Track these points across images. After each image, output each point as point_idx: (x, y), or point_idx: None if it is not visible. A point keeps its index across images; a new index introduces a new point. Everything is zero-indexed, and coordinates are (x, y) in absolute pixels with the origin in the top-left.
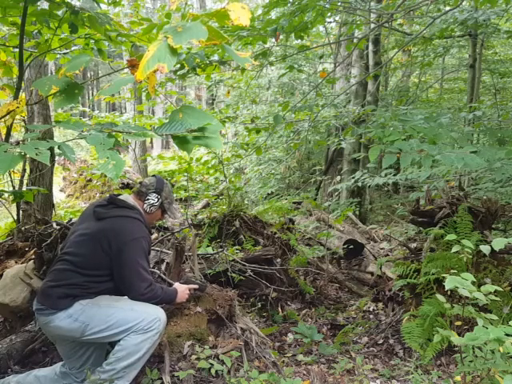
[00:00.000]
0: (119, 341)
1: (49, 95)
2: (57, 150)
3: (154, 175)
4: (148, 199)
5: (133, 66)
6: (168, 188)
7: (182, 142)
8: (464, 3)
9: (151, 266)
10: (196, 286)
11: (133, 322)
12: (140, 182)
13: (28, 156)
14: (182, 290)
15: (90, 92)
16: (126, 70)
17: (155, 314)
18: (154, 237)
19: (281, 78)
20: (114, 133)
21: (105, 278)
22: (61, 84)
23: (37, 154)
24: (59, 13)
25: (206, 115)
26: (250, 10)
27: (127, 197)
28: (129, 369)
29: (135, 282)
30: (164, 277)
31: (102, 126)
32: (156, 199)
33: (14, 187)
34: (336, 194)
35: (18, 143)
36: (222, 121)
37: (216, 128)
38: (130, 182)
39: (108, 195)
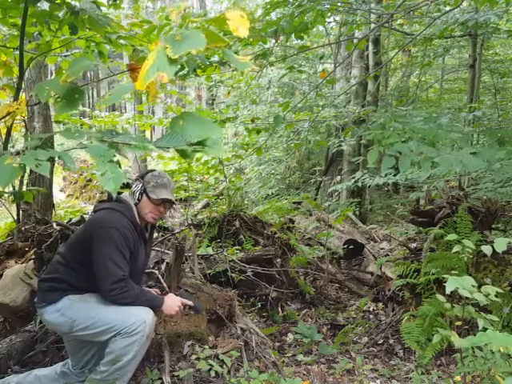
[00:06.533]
0: (109, 343)
1: (47, 98)
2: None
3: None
4: (133, 189)
5: (133, 70)
6: (152, 174)
7: (182, 154)
8: (464, 3)
9: (151, 266)
10: (191, 303)
11: (115, 322)
12: None
13: None
14: (175, 302)
15: (91, 92)
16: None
17: (140, 317)
18: (153, 237)
19: (281, 78)
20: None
21: (87, 274)
22: (60, 89)
23: (37, 166)
24: (60, 14)
25: (207, 123)
26: (249, 16)
27: (125, 193)
28: (122, 371)
29: (101, 274)
30: (161, 279)
31: (103, 134)
32: (138, 186)
33: (13, 187)
34: (336, 194)
35: (18, 153)
36: (221, 121)
37: (217, 137)
38: (130, 181)
39: None
